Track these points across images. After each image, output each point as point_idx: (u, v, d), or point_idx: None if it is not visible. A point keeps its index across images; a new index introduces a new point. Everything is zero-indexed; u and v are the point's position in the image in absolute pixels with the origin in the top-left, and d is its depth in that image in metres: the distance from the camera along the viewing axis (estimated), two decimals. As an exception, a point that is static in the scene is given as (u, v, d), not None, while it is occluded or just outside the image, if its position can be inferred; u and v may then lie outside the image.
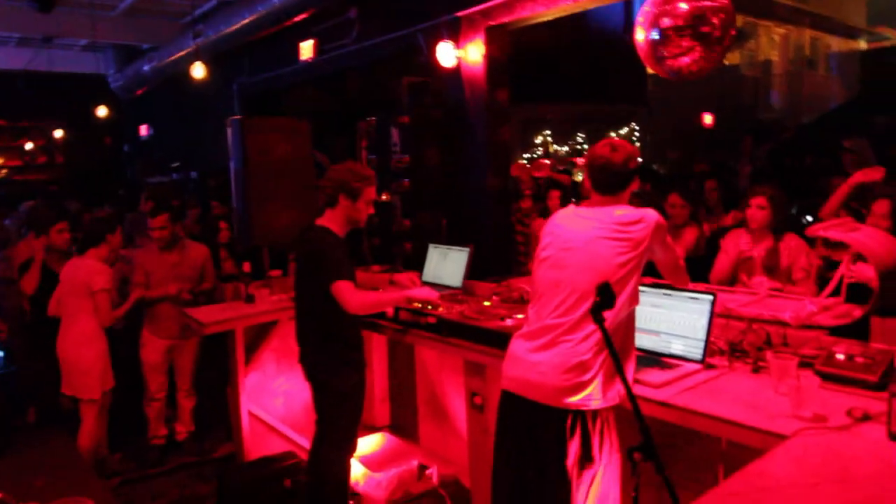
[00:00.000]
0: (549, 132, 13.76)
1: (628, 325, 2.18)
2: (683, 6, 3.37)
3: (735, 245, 3.78)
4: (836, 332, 2.64)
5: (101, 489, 3.78)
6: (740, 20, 14.48)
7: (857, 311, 2.82)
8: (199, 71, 6.50)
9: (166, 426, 4.68)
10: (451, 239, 5.12)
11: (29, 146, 11.98)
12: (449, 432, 3.93)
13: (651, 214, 2.20)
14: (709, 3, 3.36)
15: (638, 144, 14.74)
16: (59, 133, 11.89)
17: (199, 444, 4.64)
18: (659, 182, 6.36)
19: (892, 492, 1.32)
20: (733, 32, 3.33)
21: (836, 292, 2.97)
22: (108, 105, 10.20)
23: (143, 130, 12.24)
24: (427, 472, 3.79)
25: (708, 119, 14.38)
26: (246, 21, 6.79)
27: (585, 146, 14.44)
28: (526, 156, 13.40)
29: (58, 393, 4.78)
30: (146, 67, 9.50)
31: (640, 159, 2.28)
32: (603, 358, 2.06)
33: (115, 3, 8.52)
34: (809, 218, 5.77)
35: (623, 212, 2.20)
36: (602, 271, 2.10)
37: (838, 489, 1.45)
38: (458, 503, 3.53)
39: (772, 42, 16.72)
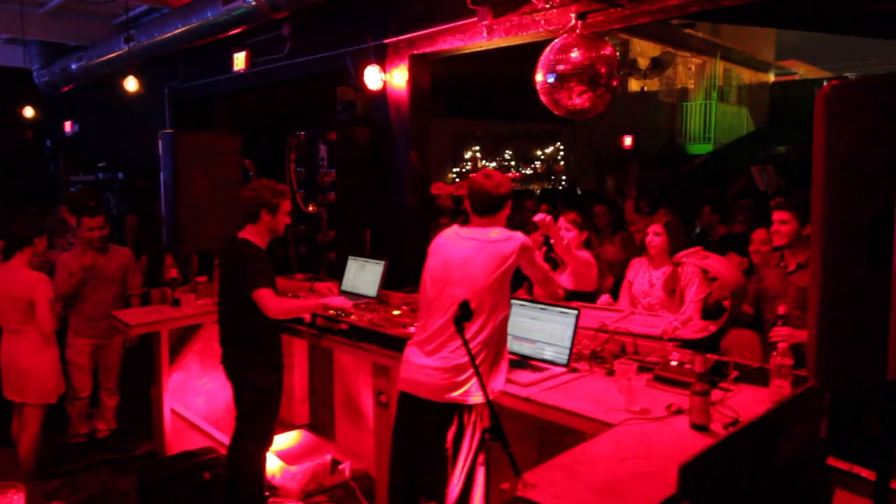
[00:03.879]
0: (478, 148, 14.28)
1: (501, 329, 2.62)
2: (575, 55, 3.87)
3: (635, 274, 4.06)
4: (694, 343, 3.13)
5: (25, 482, 3.93)
6: (659, 50, 15.41)
7: (712, 327, 3.33)
8: (132, 84, 6.63)
9: (87, 424, 4.82)
10: (373, 251, 5.47)
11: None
12: (363, 430, 4.27)
13: (518, 236, 2.66)
14: (596, 53, 3.87)
15: (562, 163, 15.45)
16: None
17: (120, 441, 4.79)
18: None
19: (675, 464, 1.75)
20: (615, 83, 3.84)
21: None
22: (31, 100, 10.05)
23: (68, 127, 12.02)
24: (340, 466, 4.12)
25: (628, 141, 15.26)
26: (179, 31, 6.94)
27: (513, 163, 15.03)
28: (455, 170, 13.87)
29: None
30: (74, 66, 9.41)
31: (510, 186, 2.73)
32: (479, 360, 2.47)
33: (44, 0, 8.47)
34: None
35: (497, 233, 2.64)
36: (474, 286, 2.51)
37: (637, 463, 1.90)
38: (367, 494, 3.87)
39: (688, 72, 17.85)
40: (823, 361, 1.80)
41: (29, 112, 9.47)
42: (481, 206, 2.68)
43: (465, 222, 2.89)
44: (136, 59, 7.63)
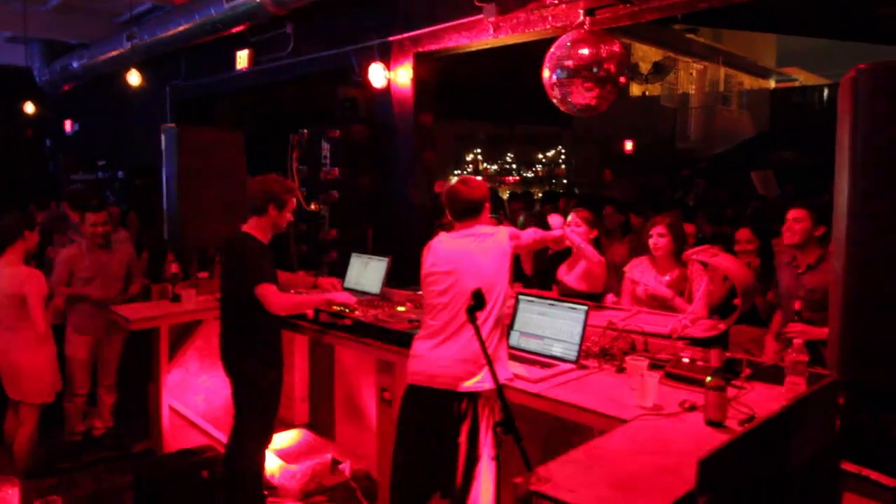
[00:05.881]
0: (479, 150, 14.26)
1: (502, 316, 2.64)
2: (583, 52, 3.83)
3: (641, 275, 3.85)
4: (704, 341, 3.08)
5: (19, 477, 3.86)
6: (661, 54, 15.43)
7: (722, 325, 3.28)
8: (134, 78, 6.60)
9: (84, 422, 4.74)
10: (375, 249, 5.41)
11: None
12: (363, 430, 4.20)
13: (504, 228, 2.76)
14: (606, 50, 3.83)
15: (563, 167, 15.44)
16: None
17: (117, 439, 4.72)
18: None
19: (692, 460, 1.70)
20: (623, 80, 3.81)
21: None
22: (32, 99, 10.00)
23: (68, 126, 11.98)
24: (340, 466, 4.06)
25: (629, 146, 15.26)
26: (182, 28, 6.90)
27: (514, 166, 15.01)
28: (457, 172, 13.84)
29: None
30: (75, 64, 9.38)
31: (487, 190, 2.84)
32: (491, 348, 2.44)
33: (47, -2, 8.45)
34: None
35: (487, 230, 2.72)
36: (482, 275, 2.56)
37: (652, 458, 1.85)
38: (367, 494, 3.81)
39: (690, 77, 17.87)
40: (846, 354, 1.76)
41: (29, 109, 9.43)
42: (460, 211, 2.78)
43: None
44: (137, 56, 7.60)
